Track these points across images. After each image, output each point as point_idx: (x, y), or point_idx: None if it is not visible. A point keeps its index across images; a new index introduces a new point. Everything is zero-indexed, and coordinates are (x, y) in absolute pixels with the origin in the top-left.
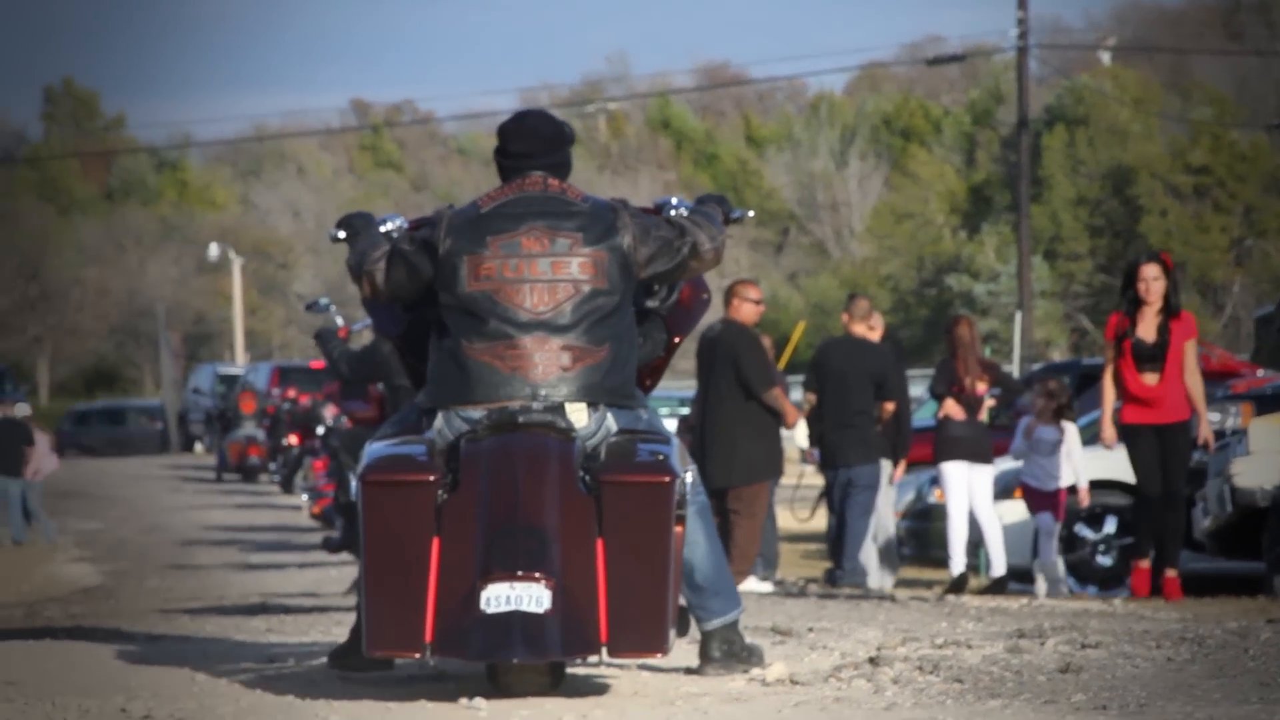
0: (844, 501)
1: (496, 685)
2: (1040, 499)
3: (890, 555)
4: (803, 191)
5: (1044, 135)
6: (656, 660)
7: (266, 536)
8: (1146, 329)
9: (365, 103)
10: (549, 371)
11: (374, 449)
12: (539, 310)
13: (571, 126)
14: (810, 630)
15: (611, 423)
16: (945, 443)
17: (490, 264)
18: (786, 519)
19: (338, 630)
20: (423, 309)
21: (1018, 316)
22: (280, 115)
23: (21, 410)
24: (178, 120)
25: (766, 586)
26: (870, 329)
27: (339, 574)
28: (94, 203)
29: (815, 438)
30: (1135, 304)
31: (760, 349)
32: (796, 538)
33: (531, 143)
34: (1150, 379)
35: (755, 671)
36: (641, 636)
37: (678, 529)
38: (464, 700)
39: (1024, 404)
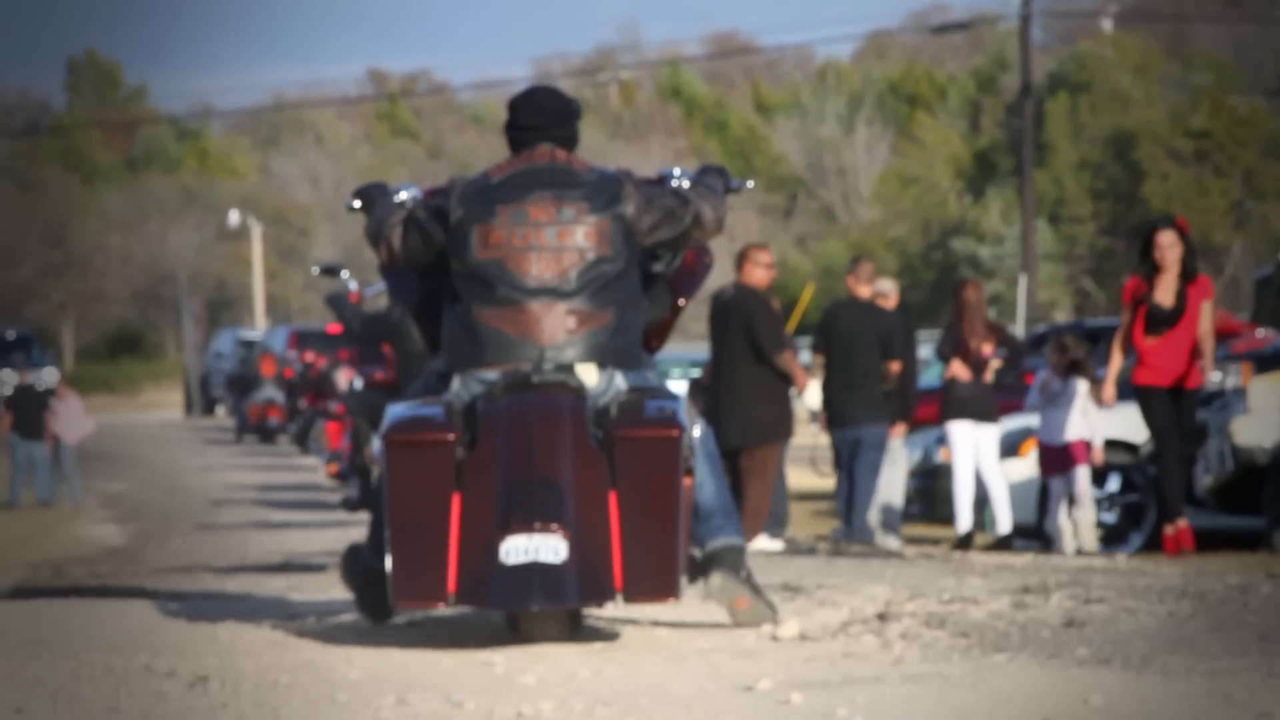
0: (852, 461)
1: (516, 632)
2: (1052, 456)
3: (892, 518)
4: (811, 157)
5: (1047, 101)
6: (670, 613)
7: (287, 496)
8: (1164, 293)
9: (382, 72)
10: (555, 335)
11: (395, 410)
12: (545, 277)
13: (579, 101)
14: (820, 587)
15: (620, 382)
16: (951, 403)
17: (499, 232)
18: (797, 478)
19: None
20: (437, 277)
21: (1022, 279)
22: (299, 85)
23: (50, 375)
24: (198, 90)
25: (777, 545)
26: (883, 296)
27: (359, 533)
28: (116, 171)
29: (826, 399)
30: (1153, 269)
31: (772, 313)
32: (807, 496)
33: (540, 116)
34: (1154, 341)
35: (766, 625)
36: (655, 583)
37: (686, 480)
38: (481, 655)
39: (1031, 365)
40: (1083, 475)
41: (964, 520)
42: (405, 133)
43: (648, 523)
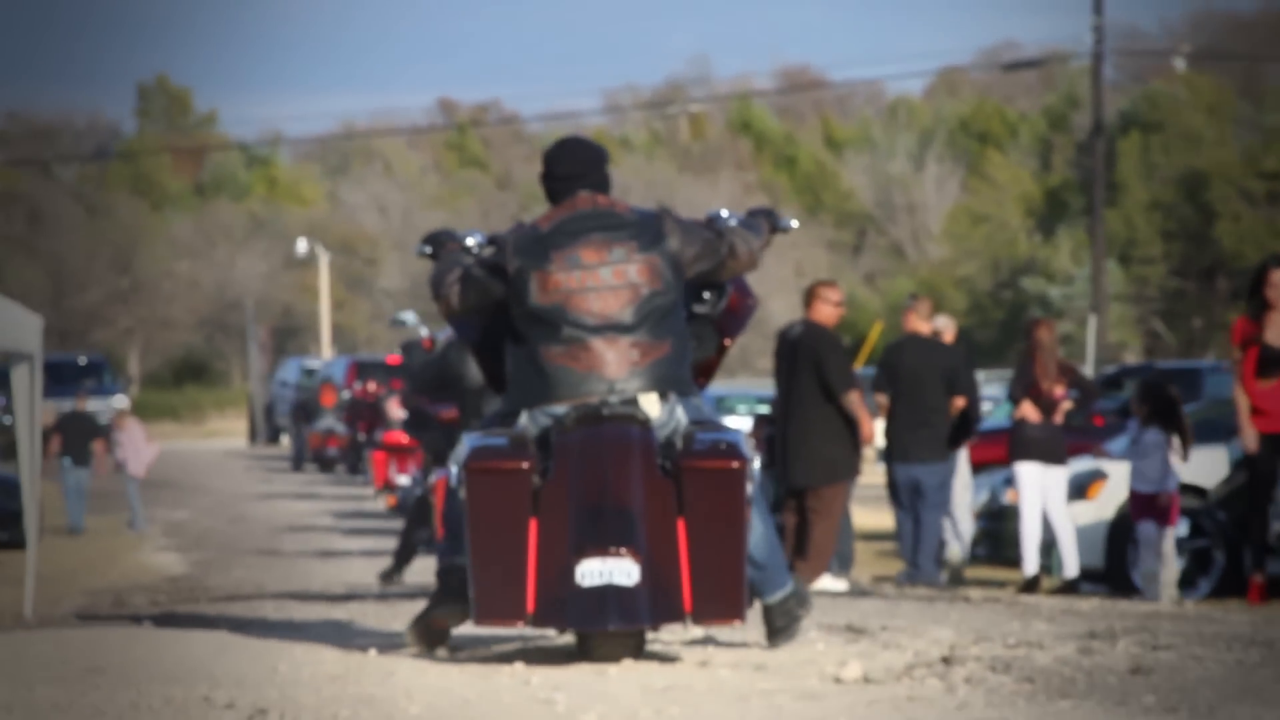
0: (916, 500)
1: (587, 648)
2: (1143, 504)
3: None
4: (880, 193)
5: (1119, 140)
6: (731, 650)
7: (350, 525)
8: (1275, 333)
9: (452, 102)
10: (621, 368)
11: (473, 440)
12: (606, 314)
13: (606, 149)
14: (884, 629)
15: (681, 414)
16: (1020, 443)
17: (557, 277)
18: (863, 518)
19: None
20: (497, 316)
21: (1092, 319)
22: (369, 113)
23: (120, 403)
24: (268, 117)
25: (841, 585)
26: (941, 331)
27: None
28: (185, 198)
29: (887, 436)
30: (1262, 308)
31: (841, 351)
32: (871, 536)
33: (575, 165)
34: (1267, 385)
35: (830, 667)
36: (722, 606)
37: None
38: (542, 692)
39: (1100, 407)
40: (1169, 531)
41: (1030, 563)
42: (474, 163)
43: (714, 549)
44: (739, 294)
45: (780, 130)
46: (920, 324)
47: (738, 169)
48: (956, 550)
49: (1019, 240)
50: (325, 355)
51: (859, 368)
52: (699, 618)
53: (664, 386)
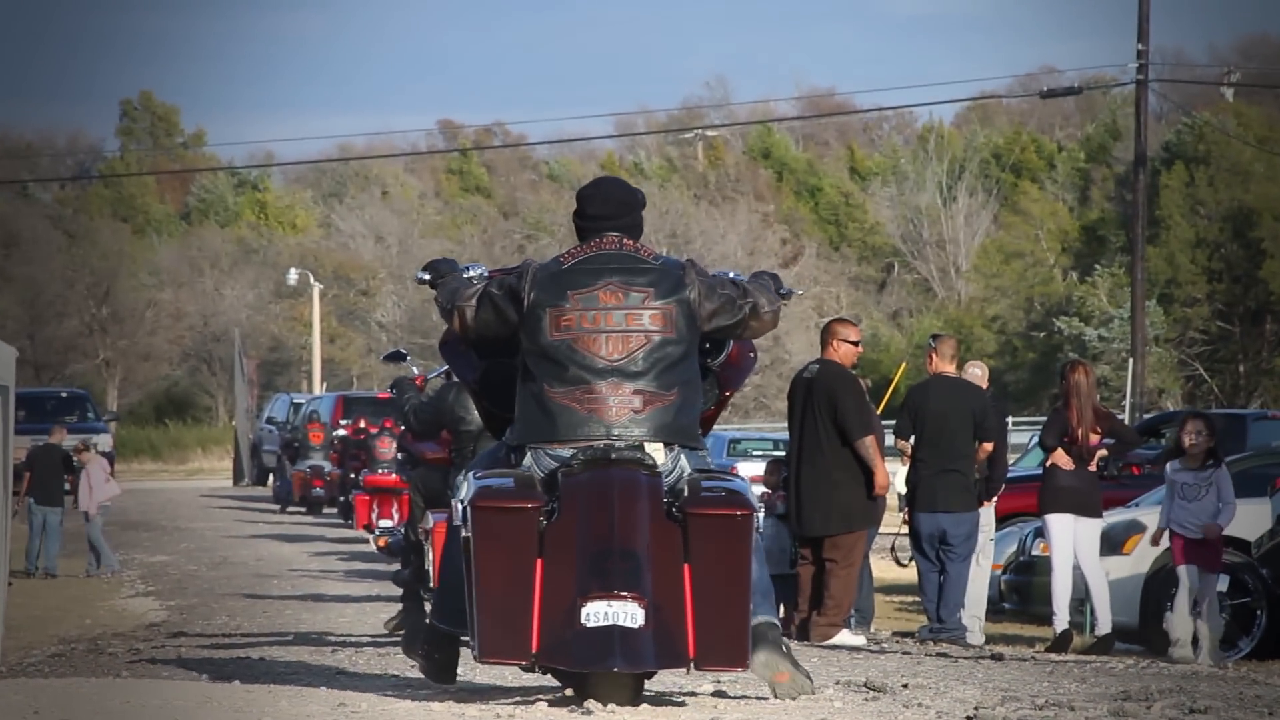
0: (941, 551)
1: (586, 692)
2: (1188, 548)
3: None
4: (908, 227)
5: (1162, 174)
6: (742, 706)
7: (339, 568)
8: None
9: (454, 124)
10: (622, 413)
11: (478, 479)
12: (614, 358)
13: (642, 193)
14: (905, 687)
15: (685, 463)
16: (1051, 493)
17: (570, 316)
18: (883, 569)
19: (413, 672)
20: (497, 356)
21: (1130, 363)
22: (365, 135)
23: (104, 443)
24: (259, 139)
25: (860, 640)
26: (974, 379)
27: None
28: (170, 222)
29: (911, 484)
30: None
31: (860, 392)
32: (892, 589)
33: (607, 206)
34: None
35: (805, 694)
36: (726, 652)
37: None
38: None
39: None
40: (1211, 581)
41: (1061, 619)
42: (477, 189)
43: (719, 595)
44: (740, 346)
45: (802, 159)
46: (944, 364)
47: (757, 199)
48: (973, 630)
49: (1054, 278)
50: (316, 391)
51: (880, 411)
52: (702, 663)
53: (666, 436)
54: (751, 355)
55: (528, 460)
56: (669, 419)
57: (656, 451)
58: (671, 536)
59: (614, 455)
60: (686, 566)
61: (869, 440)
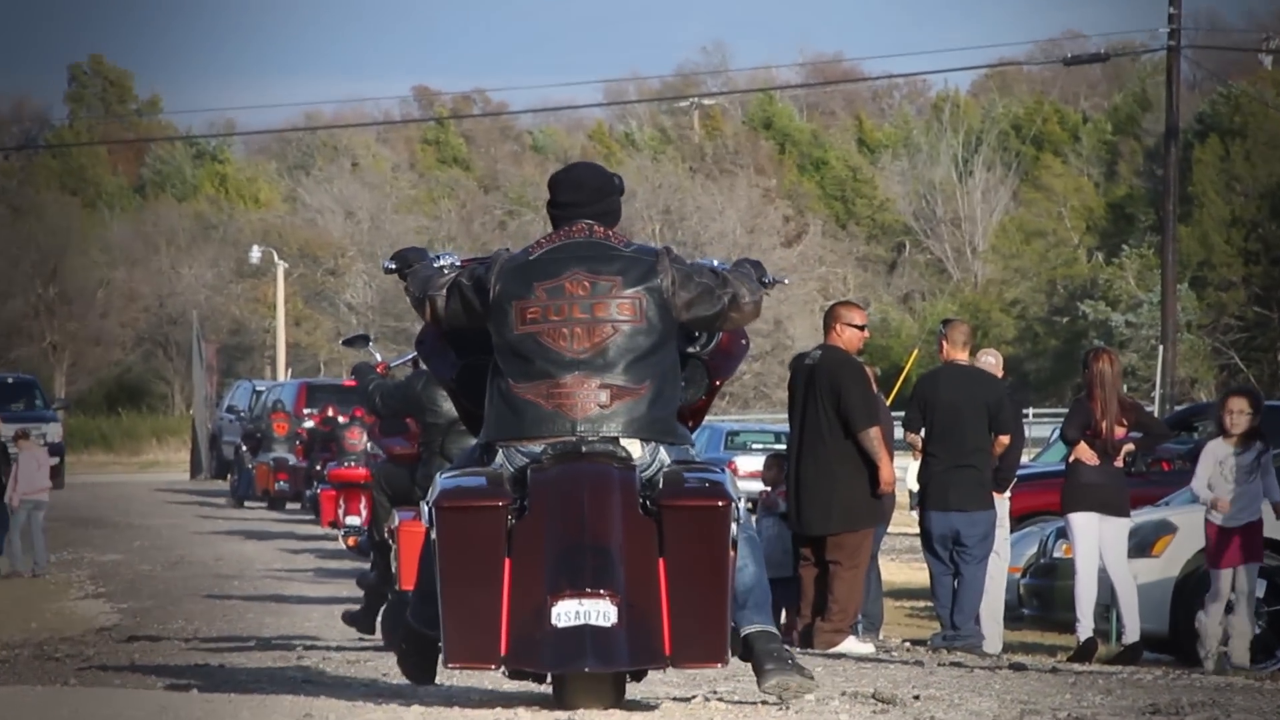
0: (955, 552)
1: (563, 697)
2: (1226, 539)
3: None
4: (920, 203)
5: (1195, 147)
6: (738, 711)
7: (303, 569)
8: None
9: (430, 91)
10: (588, 408)
11: (445, 479)
12: (579, 350)
13: (620, 178)
14: (916, 699)
15: (665, 455)
16: (1075, 491)
17: (535, 308)
18: (893, 571)
19: (384, 681)
20: (475, 353)
21: (1160, 351)
22: (334, 103)
23: (53, 432)
24: (219, 106)
25: (868, 648)
26: (988, 365)
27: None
28: (123, 196)
29: (921, 481)
30: None
31: (864, 380)
32: (902, 593)
33: (578, 193)
34: None
35: (810, 695)
36: (703, 648)
37: (731, 552)
38: None
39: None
40: (1251, 573)
41: (1085, 626)
42: (455, 161)
43: (696, 590)
44: (731, 334)
45: (807, 130)
46: (956, 351)
47: (757, 173)
48: (990, 638)
49: (1078, 259)
50: (280, 377)
51: (890, 403)
52: (679, 660)
53: (638, 431)
54: (743, 343)
55: (500, 458)
56: (640, 413)
57: (632, 445)
58: (645, 531)
59: (585, 449)
60: (661, 561)
61: (874, 432)
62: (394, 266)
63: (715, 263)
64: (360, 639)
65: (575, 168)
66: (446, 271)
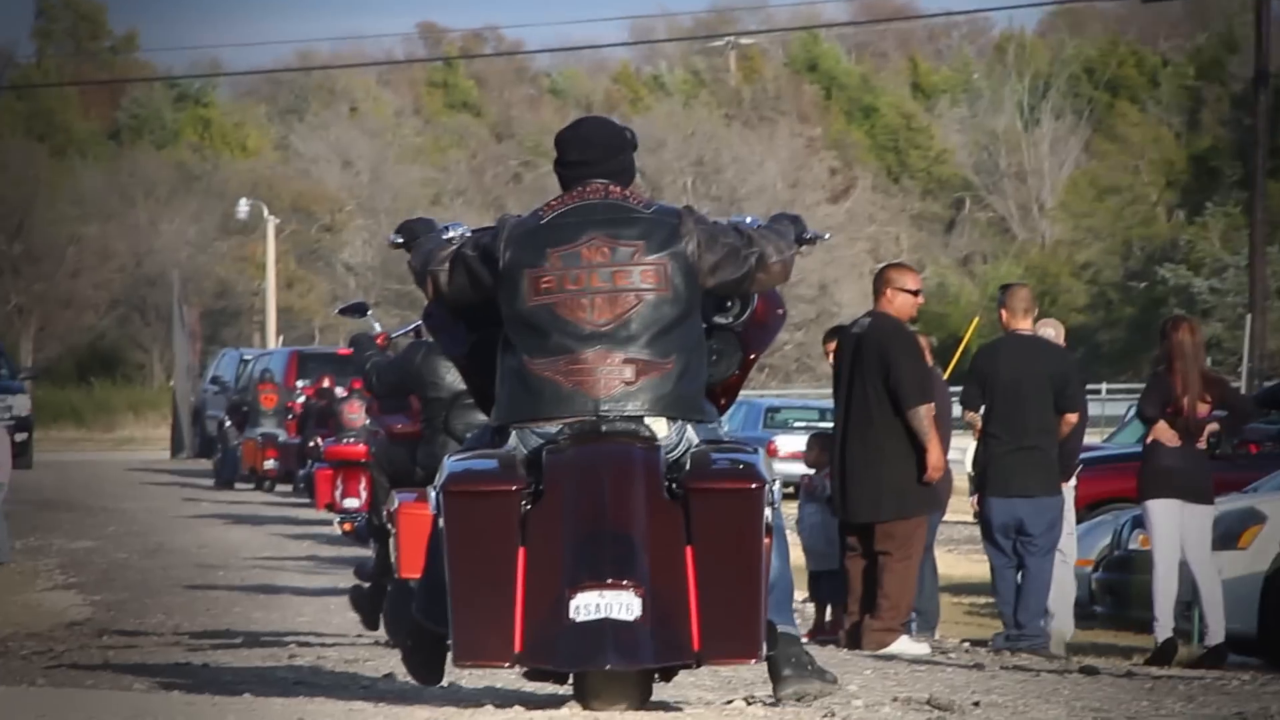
0: (1018, 543)
1: (583, 697)
2: None
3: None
4: (981, 155)
5: None
6: (777, 713)
7: (296, 558)
8: None
9: (437, 28)
10: (611, 385)
11: (453, 462)
12: (600, 322)
13: (632, 131)
14: (976, 705)
15: (692, 434)
16: (1154, 475)
17: (550, 277)
18: (950, 564)
19: (384, 684)
20: (487, 327)
21: (1248, 320)
22: (330, 40)
23: (20, 405)
24: (202, 44)
25: (922, 648)
26: (1047, 335)
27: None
28: (96, 143)
29: (981, 464)
30: None
31: (916, 351)
32: (961, 588)
33: (588, 150)
34: None
35: (832, 699)
36: (734, 643)
37: (765, 539)
38: None
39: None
40: None
41: (1164, 625)
42: (464, 106)
43: (727, 579)
44: (766, 303)
45: (855, 73)
46: (1017, 320)
47: (800, 120)
48: (1062, 625)
49: (1156, 218)
50: (271, 345)
51: (946, 377)
52: (708, 656)
53: (665, 409)
54: (780, 312)
55: (513, 440)
56: (666, 390)
57: (657, 424)
58: (671, 516)
59: (605, 428)
60: (689, 549)
61: (924, 410)
62: (400, 240)
63: (748, 220)
64: (360, 635)
65: (583, 123)
66: (455, 243)
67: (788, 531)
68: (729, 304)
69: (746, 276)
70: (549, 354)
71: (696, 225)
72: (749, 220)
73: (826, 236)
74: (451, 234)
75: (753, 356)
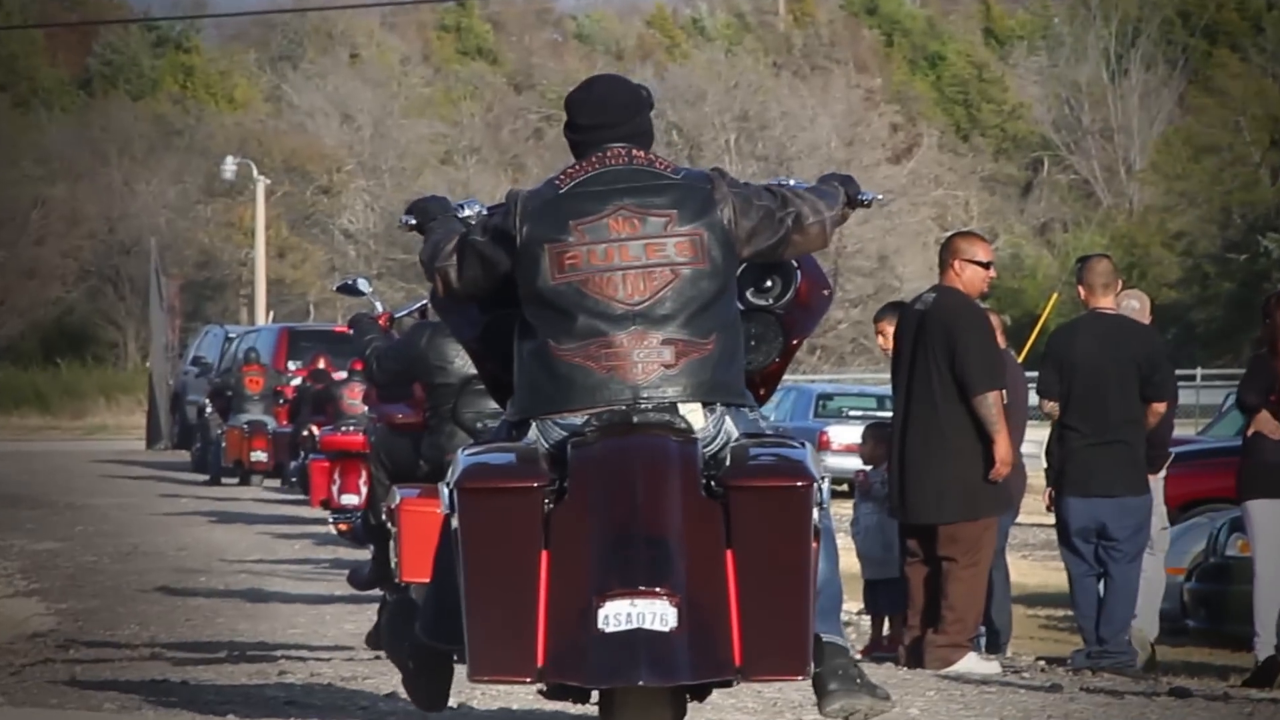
0: (1101, 549)
1: (611, 717)
2: None
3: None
4: (1062, 110)
5: None
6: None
7: (287, 561)
8: None
9: None
10: (650, 370)
11: (468, 456)
12: (633, 301)
13: (649, 89)
14: None
15: (731, 426)
16: (1255, 472)
17: (575, 252)
18: (1023, 571)
19: (385, 704)
20: (503, 308)
21: None
22: None
23: None
24: None
25: (992, 667)
26: (1131, 310)
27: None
28: (64, 93)
29: (1058, 460)
30: None
31: (986, 331)
32: (1035, 598)
33: (604, 112)
34: None
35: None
36: (780, 658)
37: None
38: None
39: None
40: None
41: (1266, 641)
42: (479, 52)
43: (771, 588)
44: (810, 281)
45: (920, 17)
46: (1098, 297)
47: (858, 70)
48: (1146, 627)
49: (1259, 181)
50: (260, 322)
51: (1022, 360)
52: (751, 671)
53: (706, 394)
54: (825, 293)
55: (533, 433)
56: (707, 374)
57: (693, 413)
58: (710, 517)
59: (636, 419)
60: (729, 553)
61: (992, 398)
62: (414, 222)
63: (790, 182)
64: (359, 647)
65: (594, 83)
66: (471, 223)
67: (843, 534)
68: (768, 282)
69: (782, 241)
70: (577, 337)
71: (730, 189)
72: (791, 183)
73: (879, 197)
74: (467, 212)
75: (795, 343)
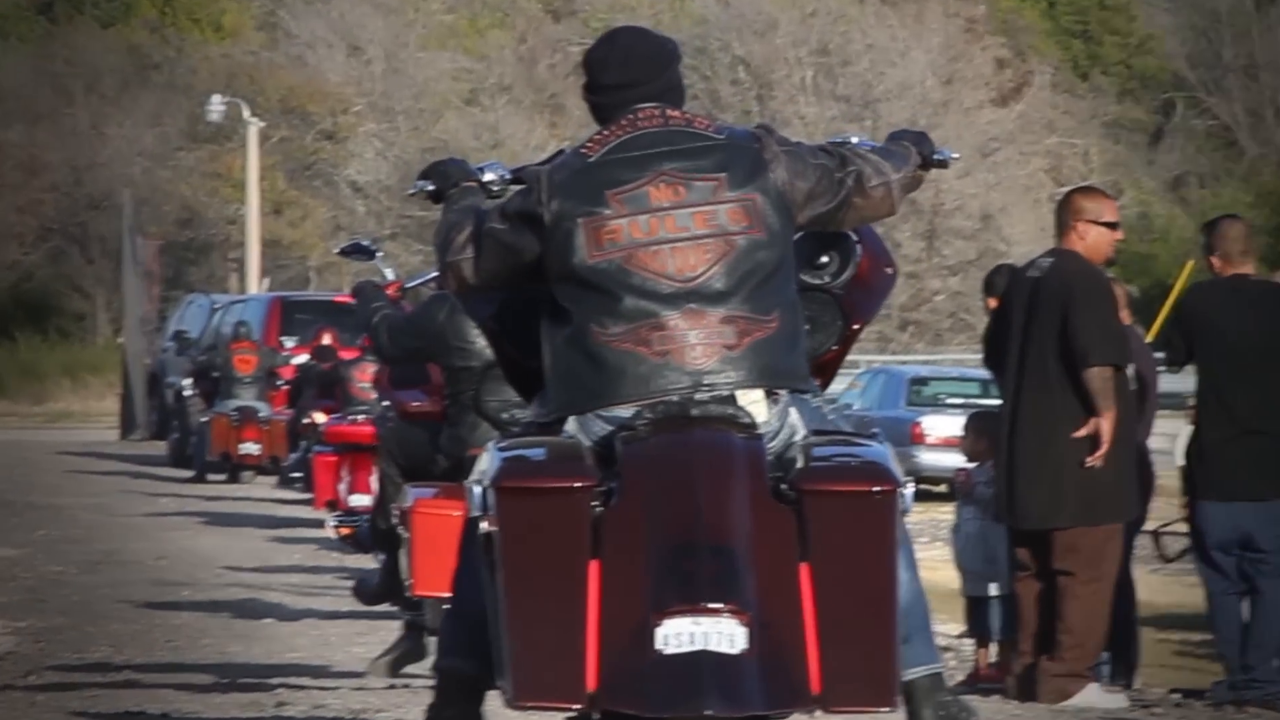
0: (1244, 562)
1: None
2: None
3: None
4: (1199, 43)
5: None
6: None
7: (283, 571)
8: None
9: None
10: (711, 353)
11: (502, 451)
12: (685, 276)
13: (674, 41)
14: None
15: (796, 418)
16: None
17: (614, 225)
18: (1152, 588)
19: None
20: (525, 286)
21: None
22: None
23: None
24: None
25: (1118, 700)
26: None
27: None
28: (22, 20)
29: (1194, 457)
30: None
31: (1108, 300)
32: (1167, 619)
33: (630, 69)
34: None
35: None
36: (864, 685)
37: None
38: None
39: None
40: None
41: None
42: None
43: (854, 606)
44: (872, 259)
45: None
46: (1233, 264)
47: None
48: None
49: None
50: (252, 290)
51: (1150, 338)
52: (831, 700)
53: (771, 379)
54: (889, 271)
55: (571, 426)
56: (771, 357)
57: (756, 405)
58: (781, 525)
59: (694, 411)
60: (804, 566)
61: (1105, 373)
62: (432, 188)
63: (857, 139)
64: (367, 672)
65: (616, 36)
66: (494, 189)
67: (941, 544)
68: (824, 258)
69: (842, 204)
70: (624, 320)
71: (780, 147)
72: (855, 140)
73: (955, 156)
74: (489, 176)
75: (856, 327)
